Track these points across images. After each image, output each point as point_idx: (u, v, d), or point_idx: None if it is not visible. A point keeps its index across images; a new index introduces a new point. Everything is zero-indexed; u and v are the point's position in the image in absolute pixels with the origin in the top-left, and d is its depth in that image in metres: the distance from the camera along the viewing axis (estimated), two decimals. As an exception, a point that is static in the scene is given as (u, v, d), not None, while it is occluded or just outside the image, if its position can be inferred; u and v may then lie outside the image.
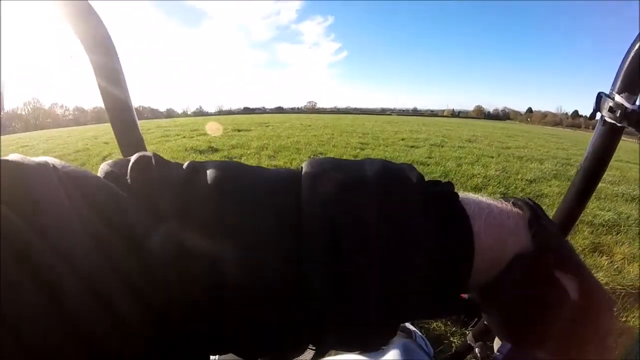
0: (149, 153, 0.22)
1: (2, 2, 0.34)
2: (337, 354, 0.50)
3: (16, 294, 0.14)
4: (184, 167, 0.21)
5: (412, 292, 0.20)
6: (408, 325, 0.65)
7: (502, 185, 3.66)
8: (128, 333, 0.16)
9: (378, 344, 0.22)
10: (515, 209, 0.22)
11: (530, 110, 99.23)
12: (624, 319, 1.46)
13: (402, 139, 7.70)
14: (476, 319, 0.68)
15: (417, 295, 0.20)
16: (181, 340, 0.19)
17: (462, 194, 0.22)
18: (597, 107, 0.42)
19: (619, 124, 0.40)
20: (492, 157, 5.56)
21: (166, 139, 7.32)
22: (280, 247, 0.19)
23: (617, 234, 2.41)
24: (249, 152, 5.32)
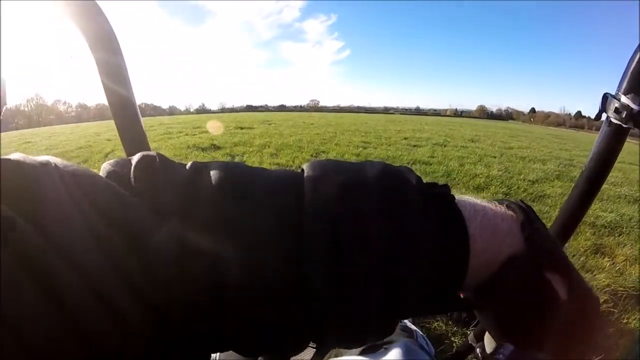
0: (152, 152, 0.22)
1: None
2: (338, 353, 0.50)
3: (17, 294, 0.14)
4: (187, 167, 0.22)
5: (412, 293, 0.20)
6: (409, 325, 0.65)
7: (505, 186, 3.65)
8: (129, 332, 0.16)
9: (377, 341, 0.23)
10: (509, 212, 0.23)
11: (533, 110, 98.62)
12: (625, 321, 1.46)
13: (405, 138, 7.69)
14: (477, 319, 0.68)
15: (416, 295, 0.20)
16: (182, 339, 0.19)
17: (457, 196, 0.22)
18: (603, 108, 0.42)
19: (624, 125, 0.40)
20: (495, 157, 5.55)
21: (169, 136, 7.32)
22: (281, 247, 0.19)
23: (619, 235, 2.41)
24: (251, 149, 5.31)
